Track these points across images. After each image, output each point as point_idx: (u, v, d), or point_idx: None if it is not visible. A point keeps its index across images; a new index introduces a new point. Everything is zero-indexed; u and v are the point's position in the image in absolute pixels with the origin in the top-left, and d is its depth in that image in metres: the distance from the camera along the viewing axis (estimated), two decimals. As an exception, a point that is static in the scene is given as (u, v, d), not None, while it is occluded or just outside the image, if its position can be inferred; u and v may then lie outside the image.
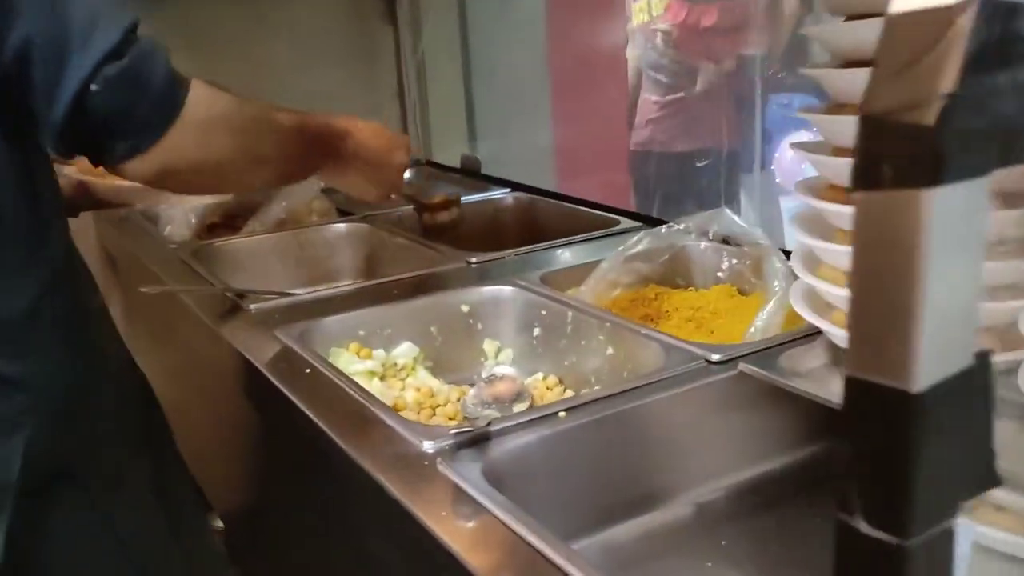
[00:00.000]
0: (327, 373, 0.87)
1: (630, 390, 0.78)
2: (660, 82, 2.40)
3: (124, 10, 0.74)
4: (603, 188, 2.32)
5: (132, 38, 0.74)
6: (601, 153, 2.42)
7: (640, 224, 1.37)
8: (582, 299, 1.07)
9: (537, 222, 1.57)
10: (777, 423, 0.79)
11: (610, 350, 0.95)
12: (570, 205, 1.55)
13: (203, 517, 1.14)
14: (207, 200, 1.65)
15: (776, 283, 1.01)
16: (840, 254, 0.80)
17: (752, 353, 0.85)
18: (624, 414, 0.74)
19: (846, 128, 0.75)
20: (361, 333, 1.04)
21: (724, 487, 0.78)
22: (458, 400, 0.98)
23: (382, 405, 0.81)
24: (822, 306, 0.87)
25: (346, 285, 1.14)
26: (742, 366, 0.81)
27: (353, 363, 1.01)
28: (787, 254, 1.07)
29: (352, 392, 0.82)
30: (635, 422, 0.75)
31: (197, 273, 1.26)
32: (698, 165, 2.30)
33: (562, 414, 0.75)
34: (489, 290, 1.10)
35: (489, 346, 1.10)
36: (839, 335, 0.80)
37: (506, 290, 1.10)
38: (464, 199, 1.64)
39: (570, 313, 1.01)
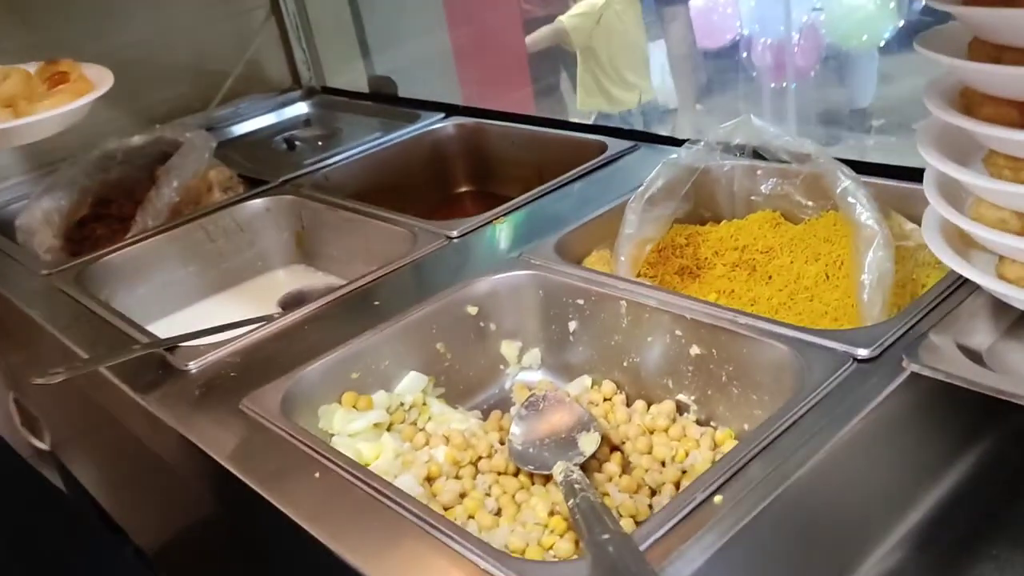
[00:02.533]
0: (346, 471, 0.62)
1: (782, 433, 0.57)
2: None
3: None
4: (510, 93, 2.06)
5: None
6: (502, 54, 2.13)
7: (633, 143, 1.12)
8: (622, 273, 0.84)
9: (496, 156, 1.30)
10: (958, 434, 0.60)
11: (696, 350, 0.73)
12: (527, 128, 1.29)
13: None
14: (66, 188, 1.30)
15: (861, 211, 0.80)
16: (1009, 195, 0.59)
17: (904, 334, 0.64)
18: (801, 483, 0.53)
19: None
20: (354, 376, 0.78)
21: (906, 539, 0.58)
22: (501, 442, 0.75)
23: (446, 522, 0.57)
24: (964, 246, 0.67)
25: (308, 309, 0.86)
26: (908, 362, 0.61)
27: (352, 420, 0.76)
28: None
29: (397, 505, 0.58)
30: (813, 488, 0.54)
31: (88, 310, 0.95)
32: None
33: (718, 499, 0.53)
34: (500, 280, 0.85)
35: (508, 349, 0.86)
36: (1018, 296, 0.60)
37: (520, 277, 0.85)
38: (394, 134, 1.36)
39: (623, 304, 0.78)
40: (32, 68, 1.00)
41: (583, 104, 3.16)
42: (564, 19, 2.97)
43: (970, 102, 0.60)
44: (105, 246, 1.20)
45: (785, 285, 0.87)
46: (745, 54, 3.58)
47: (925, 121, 0.67)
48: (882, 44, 3.43)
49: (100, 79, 1.00)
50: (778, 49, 3.53)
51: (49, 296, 1.02)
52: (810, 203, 0.94)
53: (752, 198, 0.99)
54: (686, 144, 0.95)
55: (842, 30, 3.44)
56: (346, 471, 0.62)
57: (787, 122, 3.74)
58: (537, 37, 2.97)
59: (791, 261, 0.90)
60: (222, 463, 0.66)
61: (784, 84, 3.69)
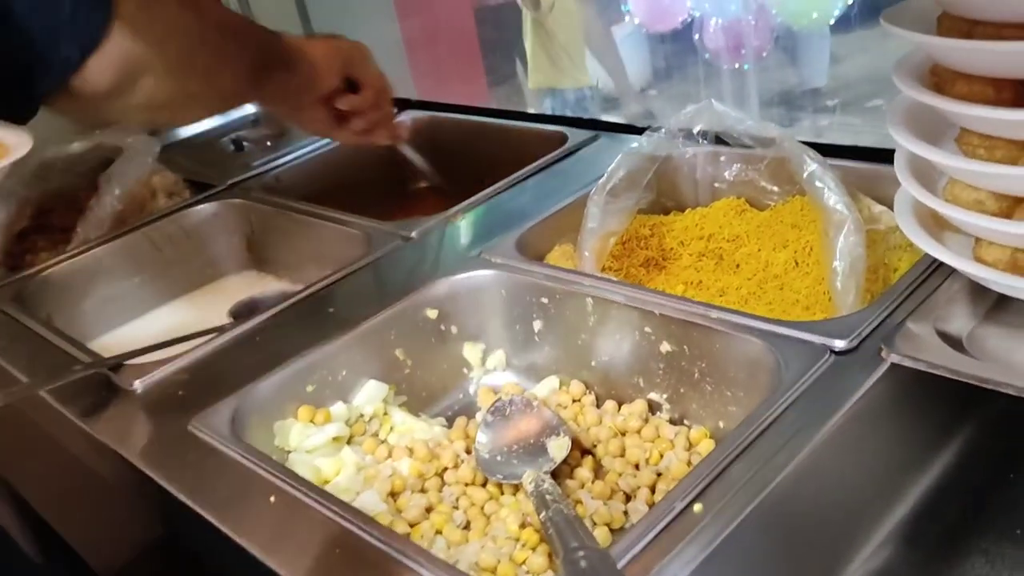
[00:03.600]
0: (303, 492, 0.58)
1: (761, 434, 0.54)
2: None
3: None
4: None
5: None
6: (454, 45, 2.08)
7: (592, 133, 1.09)
8: (587, 269, 0.81)
9: (453, 151, 1.26)
10: (941, 423, 0.58)
11: (666, 347, 0.70)
12: (485, 119, 1.25)
13: None
14: (3, 200, 1.24)
15: (829, 195, 0.78)
16: (987, 176, 0.57)
17: (881, 323, 0.62)
18: (784, 485, 0.51)
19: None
20: (309, 389, 0.74)
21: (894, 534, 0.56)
22: (468, 451, 0.72)
23: (412, 545, 0.53)
24: (937, 228, 0.65)
25: (260, 319, 0.82)
26: (887, 352, 0.59)
27: (309, 435, 0.72)
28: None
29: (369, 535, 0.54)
30: (797, 490, 0.51)
31: (28, 329, 0.90)
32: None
33: (697, 507, 0.50)
34: (460, 281, 0.81)
35: (471, 352, 0.83)
36: (998, 280, 0.58)
37: (481, 277, 0.81)
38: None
39: (589, 301, 0.75)
40: None
41: (535, 82, 3.11)
42: None
43: (941, 80, 0.58)
44: (46, 260, 1.15)
45: (754, 274, 0.85)
46: (697, 36, 3.57)
47: (894, 100, 0.64)
48: (832, 22, 3.44)
49: (18, 144, 0.93)
50: (730, 30, 3.53)
51: (-13, 314, 0.96)
52: (775, 188, 0.91)
53: (716, 185, 0.97)
54: (647, 132, 0.93)
55: (791, 9, 3.44)
56: (303, 493, 0.58)
57: (745, 105, 3.74)
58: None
59: (759, 249, 0.88)
60: (171, 491, 0.62)
61: (737, 65, 3.69)
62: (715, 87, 3.84)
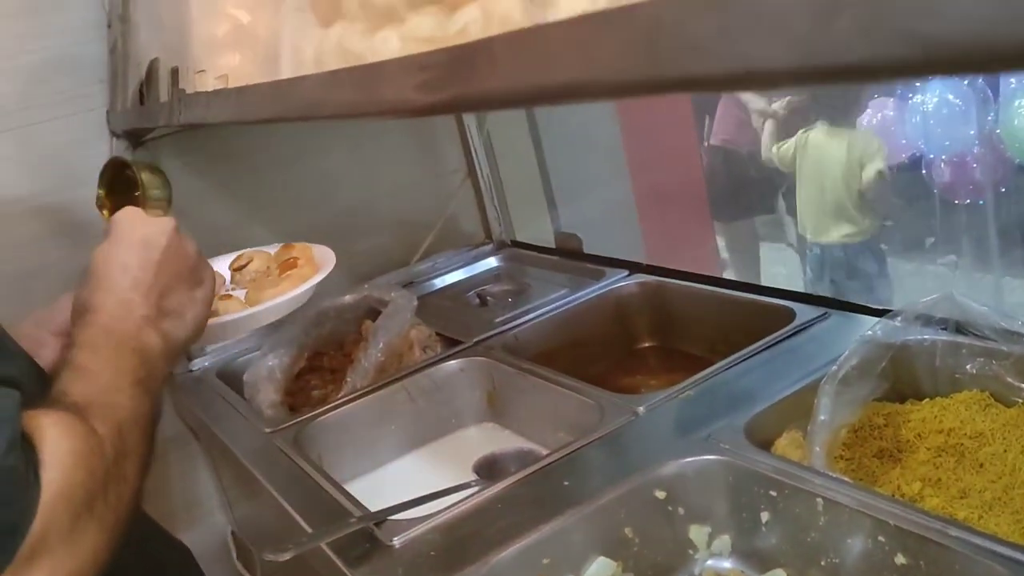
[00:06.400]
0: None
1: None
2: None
3: None
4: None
5: None
6: (684, 208, 2.17)
7: (823, 310, 1.11)
8: (817, 465, 0.82)
9: (679, 315, 1.32)
10: None
11: (901, 559, 0.70)
12: (712, 289, 1.30)
13: None
14: (287, 345, 1.44)
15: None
16: None
17: None
18: None
19: None
20: (545, 562, 0.80)
21: None
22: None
23: None
24: None
25: (502, 485, 0.90)
26: None
27: (544, 607, 0.78)
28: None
29: None
30: None
31: (303, 472, 1.04)
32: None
33: None
34: (688, 464, 0.86)
35: (697, 534, 0.86)
36: None
37: (709, 461, 0.85)
38: (580, 292, 1.42)
39: (820, 502, 0.76)
40: (272, 250, 1.14)
41: (812, 233, 3.14)
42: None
43: None
44: (318, 400, 1.33)
45: (999, 476, 0.82)
46: (925, 171, 3.44)
47: None
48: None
49: (324, 260, 1.12)
50: (959, 166, 3.37)
51: (269, 454, 1.12)
52: (1023, 385, 0.88)
53: (957, 376, 0.95)
54: (884, 319, 0.94)
55: (1019, 142, 3.23)
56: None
57: (983, 243, 3.52)
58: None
59: (1005, 449, 0.85)
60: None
61: (969, 201, 3.50)
62: (949, 221, 3.65)
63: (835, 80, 0.28)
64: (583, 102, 0.39)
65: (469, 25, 0.46)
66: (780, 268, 3.86)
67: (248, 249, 1.16)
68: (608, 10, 0.36)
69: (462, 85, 0.44)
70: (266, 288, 1.04)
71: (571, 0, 0.38)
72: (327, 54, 0.65)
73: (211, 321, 0.91)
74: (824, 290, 3.16)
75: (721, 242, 3.47)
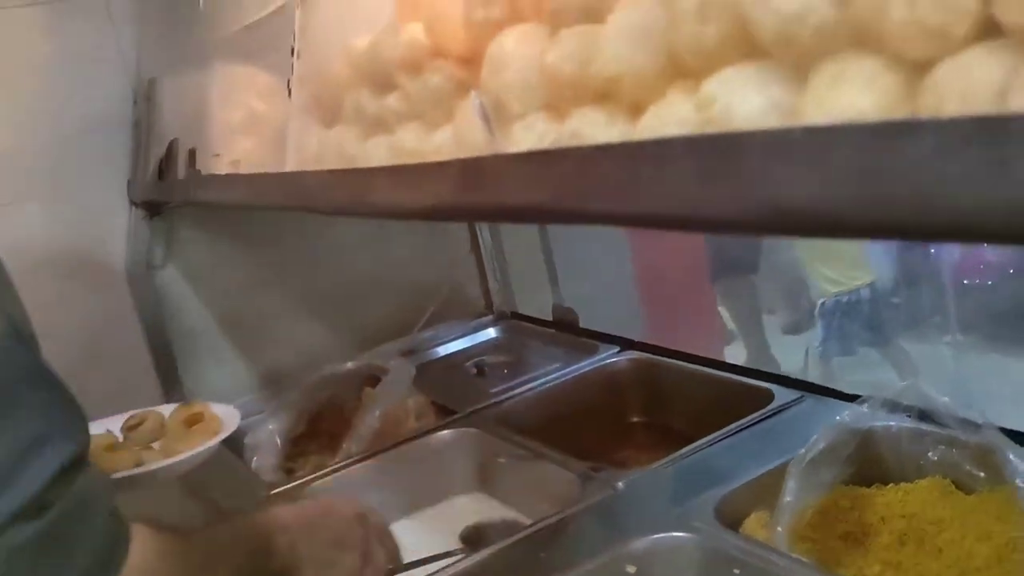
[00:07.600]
0: None
1: None
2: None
3: (67, 437, 0.57)
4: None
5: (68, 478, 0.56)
6: (683, 279, 2.23)
7: (799, 393, 1.16)
8: (780, 546, 0.86)
9: (666, 393, 1.37)
10: None
11: (851, 640, 0.73)
12: (696, 368, 1.35)
13: None
14: (288, 410, 1.50)
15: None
16: None
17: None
18: None
19: None
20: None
21: None
22: None
23: None
24: None
25: (484, 554, 0.94)
26: None
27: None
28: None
29: None
30: None
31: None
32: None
33: None
34: (659, 541, 0.89)
35: (667, 608, 0.89)
36: None
37: (679, 539, 0.89)
38: (573, 366, 1.47)
39: (781, 582, 0.80)
40: (167, 410, 1.19)
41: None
42: None
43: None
44: (315, 464, 1.37)
45: (955, 562, 0.85)
46: (933, 250, 3.49)
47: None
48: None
49: (228, 417, 1.16)
50: (968, 244, 3.43)
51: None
52: (982, 474, 0.92)
53: (920, 462, 0.99)
54: (853, 404, 0.98)
55: None
56: None
57: (994, 322, 3.55)
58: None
59: (962, 536, 0.88)
60: None
61: (977, 281, 3.54)
62: (957, 302, 3.67)
63: (710, 230, 0.34)
64: (530, 223, 0.45)
65: (443, 146, 0.52)
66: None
67: (139, 410, 1.19)
68: (549, 149, 0.43)
69: (445, 196, 0.51)
70: (180, 440, 1.09)
71: (524, 136, 0.45)
72: (327, 153, 0.72)
73: (138, 470, 1.00)
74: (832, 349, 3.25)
75: (724, 312, 3.51)
